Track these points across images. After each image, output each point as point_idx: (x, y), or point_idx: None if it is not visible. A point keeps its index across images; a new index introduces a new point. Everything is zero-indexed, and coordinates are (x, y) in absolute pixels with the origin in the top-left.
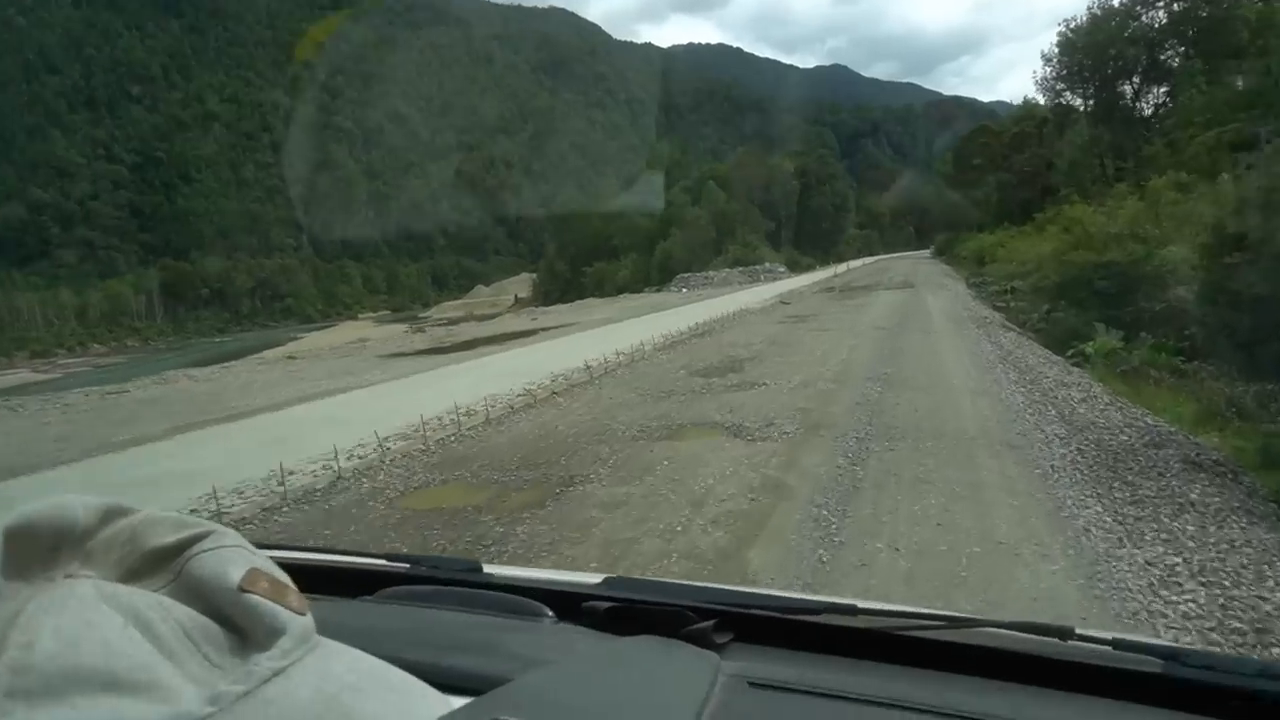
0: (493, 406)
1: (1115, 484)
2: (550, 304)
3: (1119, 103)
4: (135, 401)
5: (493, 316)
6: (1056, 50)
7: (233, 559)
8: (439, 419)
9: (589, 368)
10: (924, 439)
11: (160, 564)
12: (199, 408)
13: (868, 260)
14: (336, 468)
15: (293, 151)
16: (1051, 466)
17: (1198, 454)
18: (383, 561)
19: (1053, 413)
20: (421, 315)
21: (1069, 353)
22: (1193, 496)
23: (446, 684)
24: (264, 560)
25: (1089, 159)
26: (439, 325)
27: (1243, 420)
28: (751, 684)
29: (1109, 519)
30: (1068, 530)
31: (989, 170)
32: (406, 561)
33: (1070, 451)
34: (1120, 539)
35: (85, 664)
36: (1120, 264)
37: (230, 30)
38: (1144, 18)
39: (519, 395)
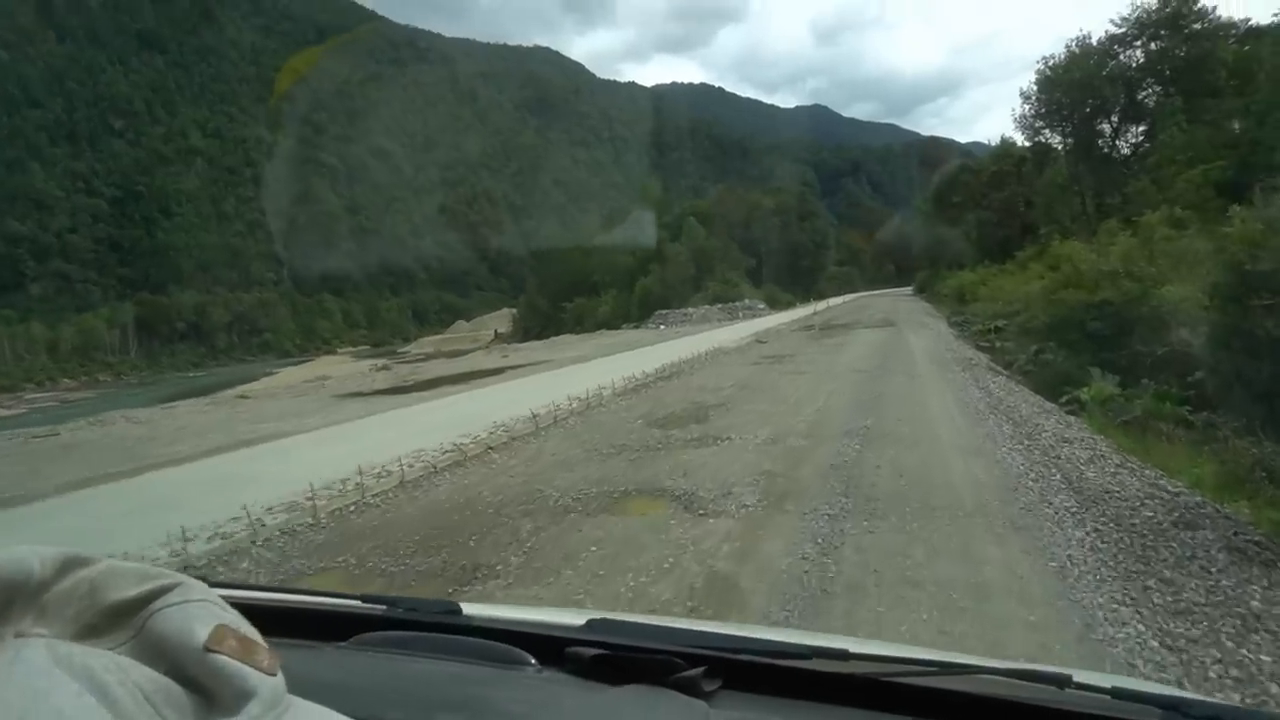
0: (411, 466)
1: (1150, 583)
2: (531, 339)
3: (1097, 141)
4: (56, 447)
5: (466, 353)
6: (1035, 88)
7: (198, 615)
8: (341, 483)
9: (534, 417)
10: (911, 516)
11: (120, 619)
12: (113, 457)
13: (848, 297)
14: (184, 553)
15: (274, 185)
16: (1069, 558)
17: (1236, 532)
18: (357, 603)
19: (1058, 477)
20: (400, 350)
21: (1063, 399)
22: (1254, 604)
23: None
24: (233, 615)
25: (1068, 196)
26: (409, 362)
27: (1275, 486)
28: None
29: (1155, 643)
30: (1106, 665)
31: (968, 208)
32: (383, 603)
33: (1087, 534)
34: (1179, 679)
35: None
36: (1114, 303)
37: (214, 66)
38: (1122, 56)
39: (447, 451)
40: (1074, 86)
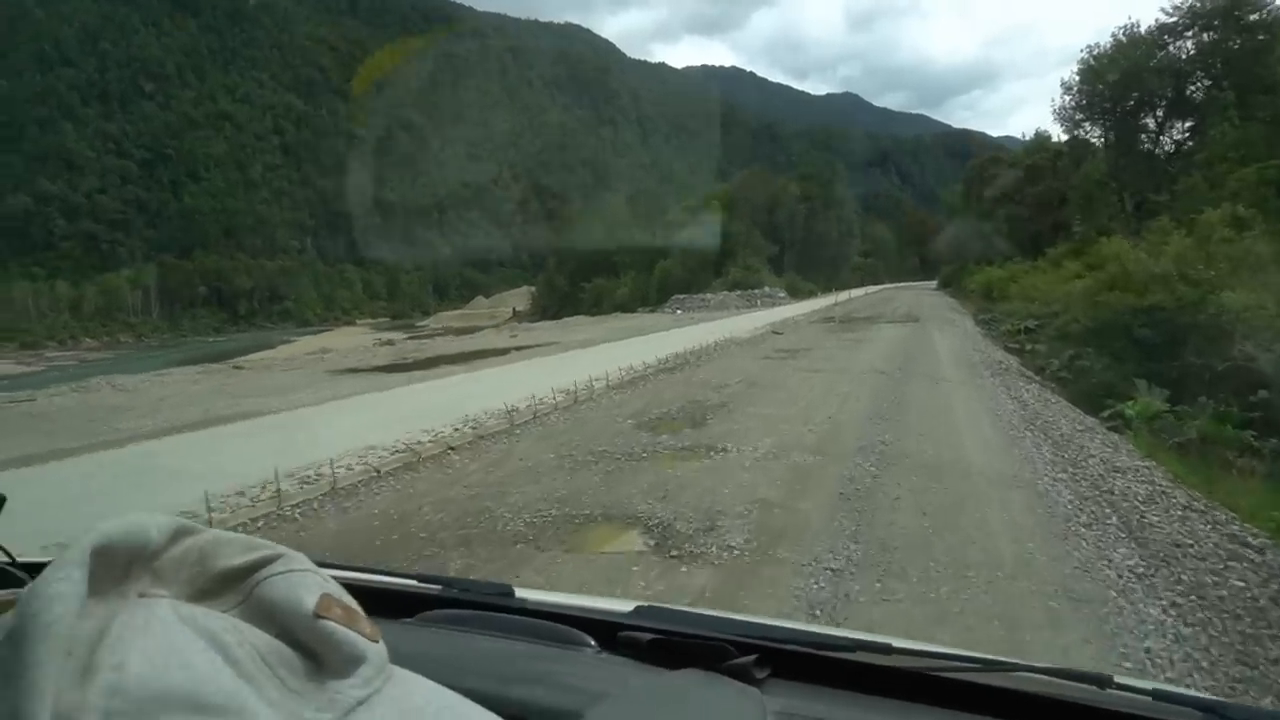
0: (352, 468)
1: (1268, 703)
2: (548, 318)
3: (1140, 136)
4: (23, 415)
5: (479, 330)
6: (1077, 79)
7: (305, 583)
8: (261, 487)
9: (510, 412)
10: (937, 576)
11: (229, 585)
12: (69, 432)
13: (871, 289)
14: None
15: (304, 154)
16: (1147, 652)
17: None
18: (413, 582)
19: (1114, 522)
20: (418, 324)
21: (1104, 414)
22: None
23: (510, 715)
24: (335, 586)
25: (1106, 194)
26: (421, 337)
27: None
28: None
29: None
30: None
31: (999, 202)
32: (438, 583)
33: (1165, 613)
34: None
35: (173, 687)
36: (1166, 309)
37: (246, 31)
38: (1171, 47)
39: (398, 452)
40: (1120, 77)
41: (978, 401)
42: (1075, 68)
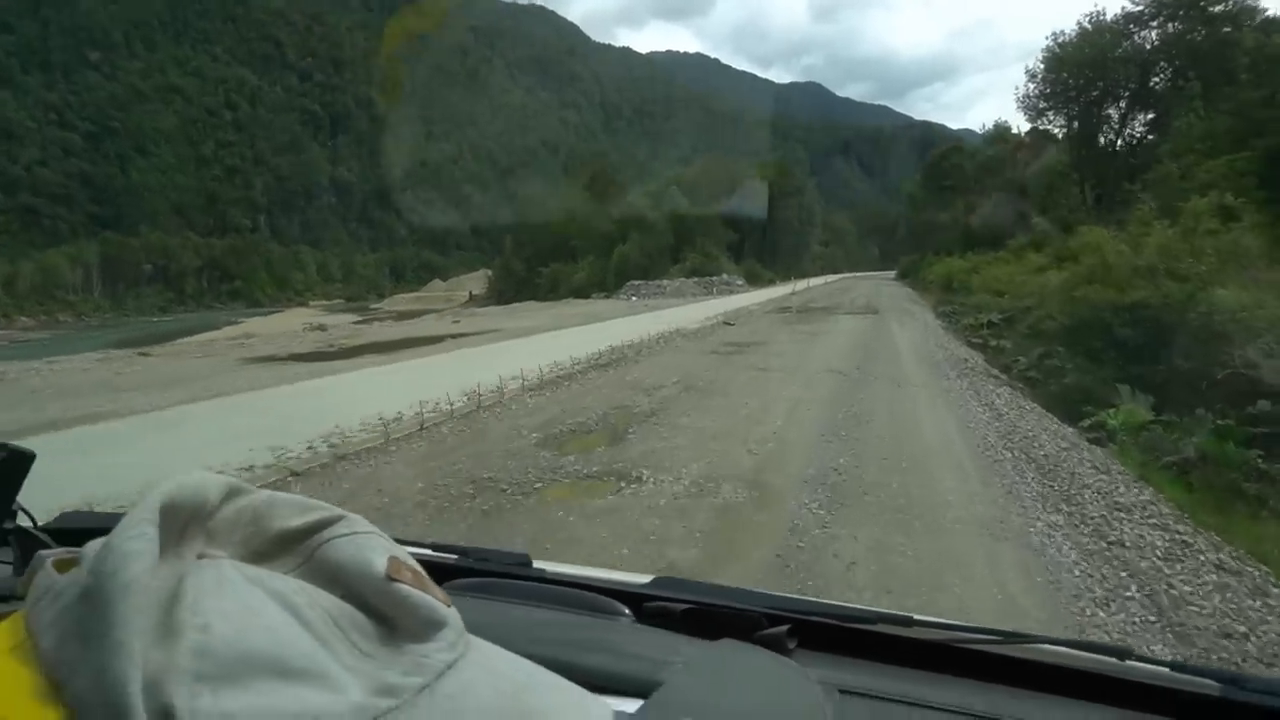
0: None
1: None
2: (504, 303)
3: (1103, 126)
4: None
5: (427, 314)
6: (1042, 66)
7: (372, 545)
8: None
9: (386, 425)
10: None
11: (287, 547)
12: None
13: (830, 278)
14: None
15: (259, 132)
16: None
17: None
18: (429, 551)
19: (1138, 598)
20: (372, 307)
21: (1084, 423)
22: None
23: (582, 683)
24: (402, 550)
25: (1067, 185)
26: (362, 322)
27: None
28: (841, 691)
29: None
30: None
31: (959, 193)
32: (454, 552)
33: None
34: None
35: (257, 650)
36: (1151, 306)
37: (199, 3)
38: (1137, 37)
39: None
40: (1084, 66)
41: (946, 409)
42: (1040, 55)
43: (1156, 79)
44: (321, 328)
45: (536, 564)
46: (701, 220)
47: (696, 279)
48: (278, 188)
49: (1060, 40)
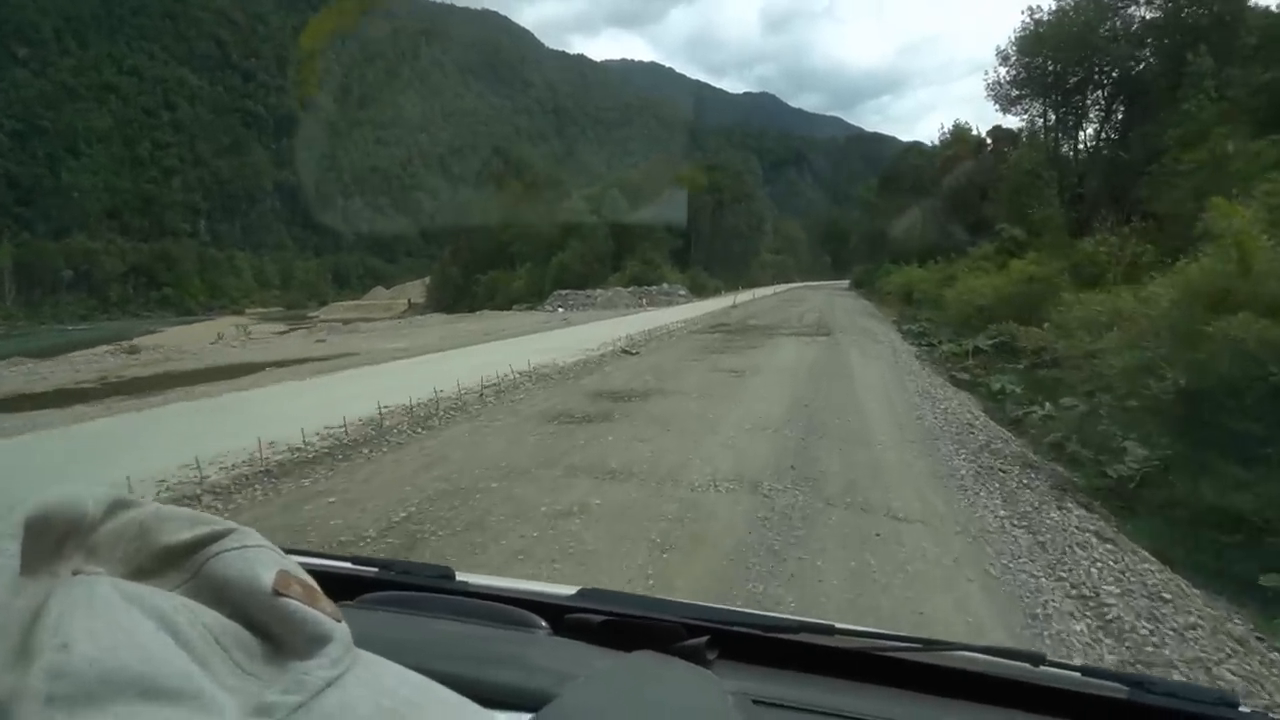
0: None
1: None
2: (442, 311)
3: (1086, 115)
4: None
5: (357, 322)
6: (1014, 48)
7: (261, 560)
8: None
9: None
10: None
11: (172, 562)
12: None
13: (780, 288)
14: None
15: (199, 134)
16: None
17: None
18: (349, 565)
19: None
20: (310, 315)
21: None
22: None
23: (477, 697)
24: (292, 563)
25: (1039, 186)
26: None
27: None
28: (754, 701)
29: None
30: None
31: (918, 196)
32: (376, 565)
33: None
34: None
35: (123, 669)
36: None
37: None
38: (1125, 12)
39: None
40: (1066, 46)
41: (990, 578)
42: (1013, 37)
43: (1148, 60)
44: (135, 350)
45: (460, 576)
46: (643, 226)
47: (635, 289)
48: (219, 191)
49: (1037, 18)
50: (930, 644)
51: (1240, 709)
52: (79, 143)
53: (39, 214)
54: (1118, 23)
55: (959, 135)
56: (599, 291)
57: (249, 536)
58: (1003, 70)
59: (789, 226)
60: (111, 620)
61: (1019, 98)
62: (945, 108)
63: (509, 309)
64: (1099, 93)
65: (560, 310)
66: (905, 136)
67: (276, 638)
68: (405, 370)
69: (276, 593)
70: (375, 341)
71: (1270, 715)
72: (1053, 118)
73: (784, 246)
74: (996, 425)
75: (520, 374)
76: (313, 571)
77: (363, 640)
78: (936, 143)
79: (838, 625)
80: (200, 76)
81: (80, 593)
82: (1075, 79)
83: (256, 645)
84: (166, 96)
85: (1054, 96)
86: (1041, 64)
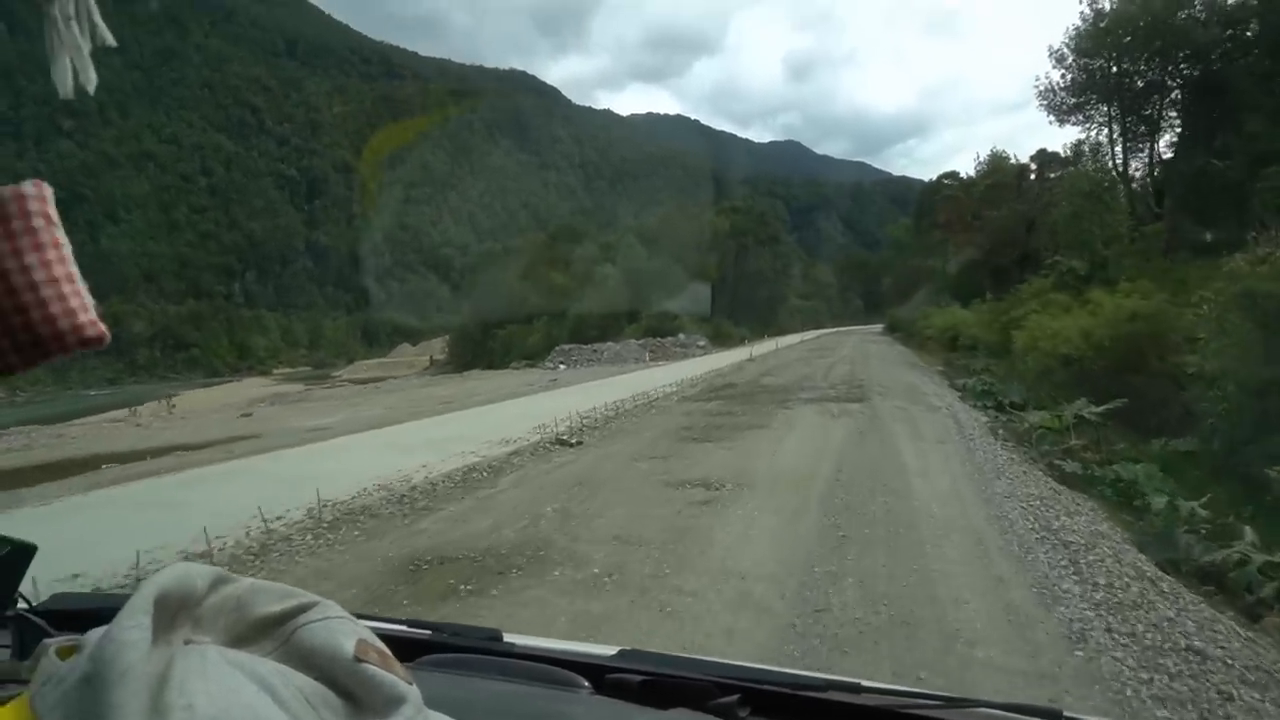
0: None
1: None
2: (464, 366)
3: (1161, 121)
4: None
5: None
6: (1071, 46)
7: (342, 629)
8: None
9: None
10: None
11: (266, 631)
12: None
13: (809, 335)
14: None
15: (234, 197)
16: None
17: None
18: (404, 627)
19: None
20: (334, 374)
21: None
22: None
23: None
24: (368, 632)
25: (1103, 209)
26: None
27: None
28: None
29: None
30: None
31: (955, 231)
32: (428, 628)
33: None
34: None
35: None
36: None
37: (176, 70)
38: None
39: None
40: (1134, 39)
41: None
42: (1067, 35)
43: (1241, 49)
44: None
45: (507, 638)
46: (661, 274)
47: (647, 340)
48: (252, 252)
49: (1097, 8)
50: (953, 701)
51: None
52: (118, 209)
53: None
54: (1198, 6)
55: (996, 164)
56: (608, 345)
57: (332, 609)
58: (1056, 74)
59: (818, 271)
60: (222, 684)
61: (1078, 105)
62: (972, 148)
63: (509, 367)
64: (1176, 93)
65: (561, 366)
66: (931, 178)
67: (358, 699)
68: (263, 472)
69: (357, 659)
70: (318, 415)
71: None
72: (1117, 129)
73: (813, 292)
74: (1192, 596)
75: (381, 488)
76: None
77: (436, 700)
78: (972, 174)
79: (864, 684)
80: (236, 142)
81: (195, 660)
82: (1146, 79)
83: (341, 705)
84: (203, 162)
85: (1121, 100)
86: (1105, 64)
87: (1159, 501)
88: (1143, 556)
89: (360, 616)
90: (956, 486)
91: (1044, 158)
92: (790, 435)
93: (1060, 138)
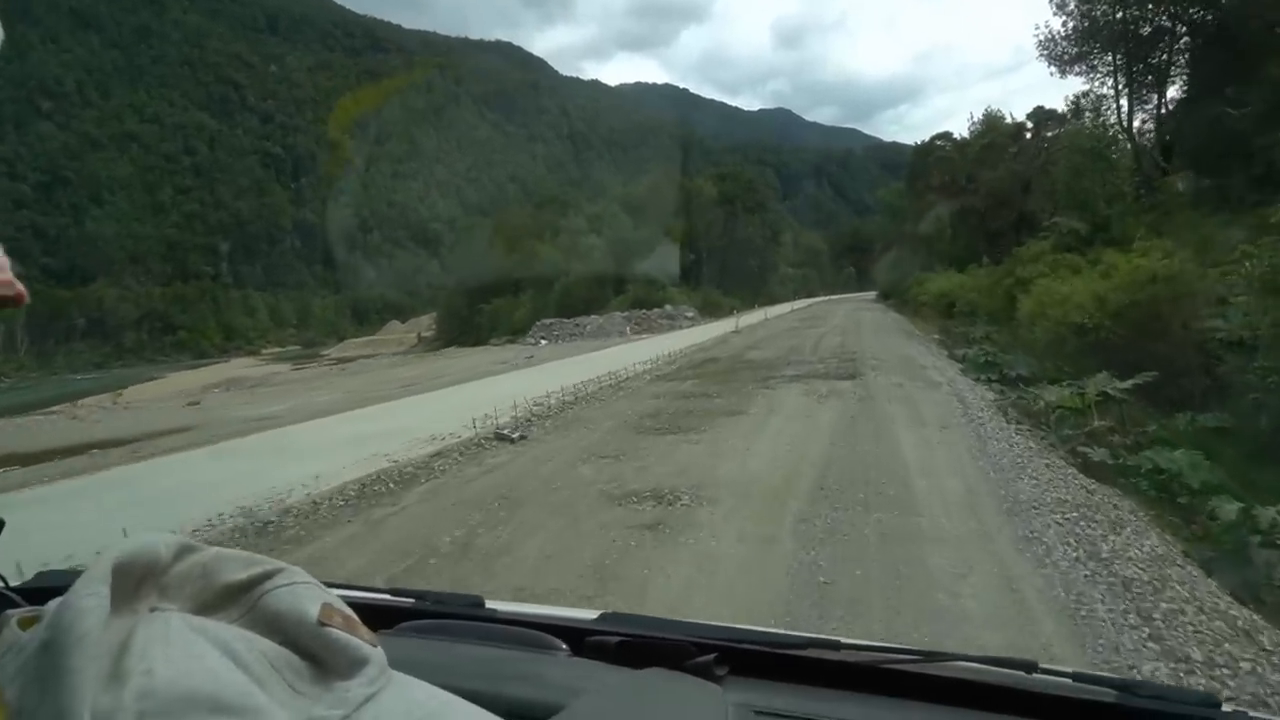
0: None
1: None
2: (450, 342)
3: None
4: None
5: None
6: None
7: (307, 594)
8: None
9: None
10: None
11: (233, 598)
12: None
13: (801, 303)
14: None
15: (219, 177)
16: None
17: None
18: (388, 596)
19: None
20: (323, 353)
21: None
22: None
23: (497, 711)
24: (333, 596)
25: (1106, 167)
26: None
27: None
28: (757, 712)
29: None
30: None
31: (948, 195)
32: (412, 596)
33: None
34: None
35: (197, 690)
36: None
37: (155, 48)
38: None
39: None
40: None
41: None
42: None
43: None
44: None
45: (490, 604)
46: (646, 243)
47: (624, 313)
48: (239, 232)
49: None
50: (930, 656)
51: (1222, 709)
52: (102, 191)
53: (64, 264)
54: None
55: (991, 123)
56: (592, 318)
57: (297, 575)
58: (1057, 23)
59: (810, 239)
60: (184, 649)
61: (1080, 54)
62: (964, 113)
63: (489, 343)
64: (1184, 40)
65: (541, 341)
66: (925, 141)
67: (322, 662)
68: (129, 485)
69: (321, 623)
70: (270, 402)
71: (1249, 714)
72: (1122, 80)
73: (805, 260)
74: None
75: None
76: (356, 603)
77: (398, 664)
78: (966, 136)
79: (844, 640)
80: (219, 120)
81: (158, 627)
82: (1153, 25)
83: (305, 669)
84: (186, 142)
85: (1127, 48)
86: (1109, 10)
87: (1227, 510)
88: (1226, 596)
89: (341, 586)
90: (971, 491)
91: (1041, 115)
92: (769, 423)
93: (1058, 96)
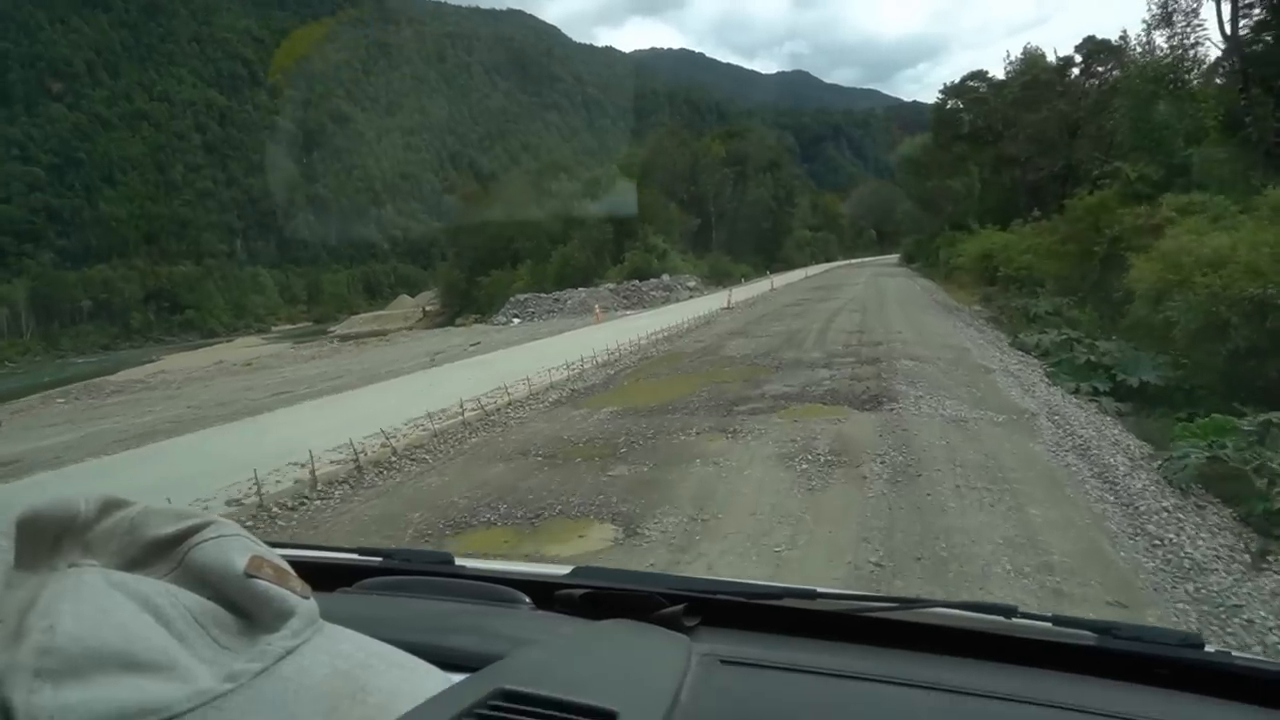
0: None
1: None
2: (454, 318)
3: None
4: None
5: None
6: None
7: (235, 546)
8: None
9: None
10: None
11: (161, 553)
12: None
13: (818, 269)
14: None
15: (230, 154)
16: None
17: None
18: (356, 555)
19: None
20: (332, 330)
21: None
22: None
23: (441, 663)
24: (264, 548)
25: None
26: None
27: None
28: (723, 661)
29: None
30: None
31: (981, 145)
32: (380, 555)
33: None
34: None
35: (105, 646)
36: None
37: (162, 26)
38: None
39: None
40: None
41: None
42: None
43: None
44: None
45: (459, 561)
46: (650, 207)
47: (622, 285)
48: (251, 209)
49: None
50: (908, 603)
51: (1205, 650)
52: (114, 171)
53: (80, 245)
54: None
55: (1032, 60)
56: (578, 292)
57: (225, 527)
58: None
59: (829, 201)
60: (95, 604)
61: None
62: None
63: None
64: None
65: (516, 320)
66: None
67: (250, 614)
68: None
69: (248, 575)
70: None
71: (1233, 654)
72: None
73: (824, 223)
74: None
75: None
76: (322, 564)
77: (354, 620)
78: (1017, 57)
79: (820, 590)
80: (229, 97)
81: (70, 582)
82: None
83: (232, 622)
84: (197, 119)
85: None
86: None
87: None
88: None
89: (308, 547)
90: None
91: (1093, 47)
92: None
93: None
